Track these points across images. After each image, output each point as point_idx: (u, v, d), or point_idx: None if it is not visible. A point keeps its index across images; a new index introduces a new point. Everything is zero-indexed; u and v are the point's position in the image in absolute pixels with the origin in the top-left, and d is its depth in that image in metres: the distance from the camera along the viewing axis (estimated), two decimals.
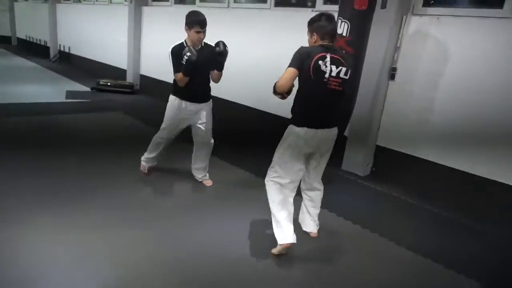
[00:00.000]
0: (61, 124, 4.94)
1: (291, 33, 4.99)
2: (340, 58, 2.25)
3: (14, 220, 2.53)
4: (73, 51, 10.78)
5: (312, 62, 2.18)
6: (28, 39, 13.84)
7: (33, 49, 13.17)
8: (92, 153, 3.97)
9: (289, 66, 2.20)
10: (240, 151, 4.55)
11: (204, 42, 3.04)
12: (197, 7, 6.57)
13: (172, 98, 3.14)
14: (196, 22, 2.87)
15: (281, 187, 2.41)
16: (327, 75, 2.22)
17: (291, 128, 2.36)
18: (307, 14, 4.90)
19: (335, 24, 2.36)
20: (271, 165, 2.49)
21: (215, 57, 2.89)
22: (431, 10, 3.66)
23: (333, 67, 2.22)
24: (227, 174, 3.80)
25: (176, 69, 2.93)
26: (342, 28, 3.37)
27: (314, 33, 2.30)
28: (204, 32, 2.93)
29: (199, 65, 2.86)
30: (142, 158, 3.43)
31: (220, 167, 3.88)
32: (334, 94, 2.28)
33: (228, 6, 5.97)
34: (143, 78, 7.98)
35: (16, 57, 11.81)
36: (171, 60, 2.95)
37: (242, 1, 5.94)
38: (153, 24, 7.57)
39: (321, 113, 2.33)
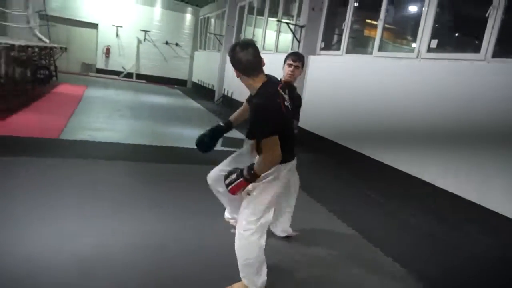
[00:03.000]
0: None
1: None
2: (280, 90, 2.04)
3: None
4: (235, 97, 11.21)
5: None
6: (199, 83, 15.42)
7: (201, 92, 14.52)
8: None
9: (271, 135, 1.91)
10: None
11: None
12: (374, 56, 5.64)
13: None
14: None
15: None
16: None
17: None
18: None
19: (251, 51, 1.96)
20: None
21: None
22: None
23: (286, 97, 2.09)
24: None
25: None
26: None
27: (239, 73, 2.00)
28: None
29: None
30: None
31: None
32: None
33: (417, 56, 4.80)
34: (303, 131, 7.34)
35: (186, 98, 13.08)
36: None
37: (439, 50, 4.69)
38: (319, 74, 6.96)
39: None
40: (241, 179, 2.00)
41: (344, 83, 6.14)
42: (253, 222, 2.07)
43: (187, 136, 6.67)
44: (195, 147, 2.47)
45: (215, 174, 2.69)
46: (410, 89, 4.77)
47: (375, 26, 5.78)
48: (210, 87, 13.71)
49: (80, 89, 10.48)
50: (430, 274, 2.84)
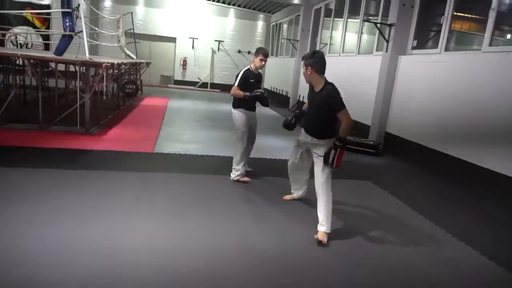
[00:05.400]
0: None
1: None
2: None
3: None
4: None
5: None
6: (272, 89, 15.39)
7: (275, 99, 14.44)
8: None
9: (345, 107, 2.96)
10: None
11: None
12: (483, 52, 4.95)
13: (237, 110, 4.42)
14: (260, 52, 4.35)
15: None
16: None
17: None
18: None
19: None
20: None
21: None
22: None
23: None
24: None
25: (239, 86, 4.24)
26: None
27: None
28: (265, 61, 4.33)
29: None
30: (234, 170, 4.32)
31: None
32: None
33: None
34: (389, 136, 6.81)
35: (260, 106, 13.04)
36: (239, 79, 4.25)
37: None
38: (411, 74, 6.37)
39: None
40: (339, 149, 2.84)
41: (444, 84, 5.51)
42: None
43: (270, 146, 6.49)
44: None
45: (293, 166, 3.64)
46: None
47: (480, 20, 5.09)
48: (284, 93, 13.57)
49: (163, 101, 11.02)
50: None
